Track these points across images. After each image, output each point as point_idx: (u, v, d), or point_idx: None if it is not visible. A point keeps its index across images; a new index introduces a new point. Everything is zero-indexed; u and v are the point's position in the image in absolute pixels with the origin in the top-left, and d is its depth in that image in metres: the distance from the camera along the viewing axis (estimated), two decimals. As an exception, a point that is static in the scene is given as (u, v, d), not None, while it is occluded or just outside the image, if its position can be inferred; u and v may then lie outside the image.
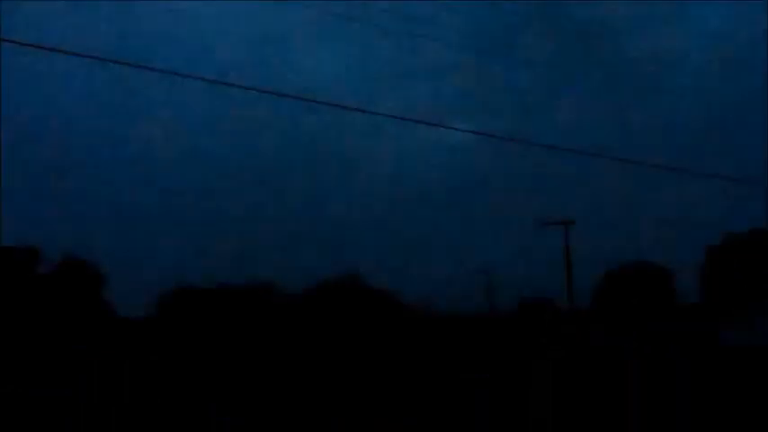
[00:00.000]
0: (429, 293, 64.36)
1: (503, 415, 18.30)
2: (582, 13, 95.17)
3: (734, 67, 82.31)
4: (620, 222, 78.24)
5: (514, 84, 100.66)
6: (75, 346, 42.09)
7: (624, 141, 77.03)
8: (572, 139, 71.50)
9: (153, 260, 63.89)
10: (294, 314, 54.18)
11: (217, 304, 53.95)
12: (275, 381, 30.05)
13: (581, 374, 30.18)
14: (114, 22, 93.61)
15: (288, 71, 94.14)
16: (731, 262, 55.50)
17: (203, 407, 21.36)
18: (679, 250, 60.33)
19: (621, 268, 60.86)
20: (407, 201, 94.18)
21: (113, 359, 39.21)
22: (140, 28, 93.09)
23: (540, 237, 57.02)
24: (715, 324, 47.72)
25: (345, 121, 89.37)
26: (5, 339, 39.97)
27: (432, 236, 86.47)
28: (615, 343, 42.40)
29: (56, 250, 51.37)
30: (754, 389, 21.53)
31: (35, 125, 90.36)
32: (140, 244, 71.13)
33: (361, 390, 25.57)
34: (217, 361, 39.78)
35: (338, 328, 51.20)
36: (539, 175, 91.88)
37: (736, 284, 52.68)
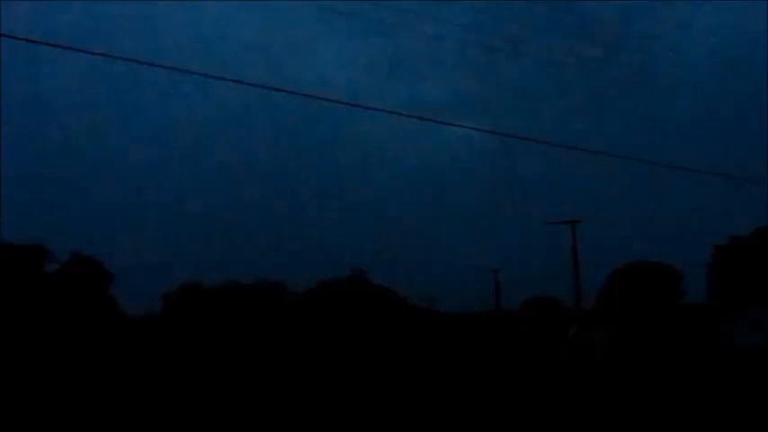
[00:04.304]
0: (436, 292, 64.54)
1: (503, 414, 18.37)
2: (583, 10, 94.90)
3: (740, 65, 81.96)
4: (627, 221, 78.07)
5: (518, 81, 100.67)
6: (80, 343, 42.34)
7: (630, 140, 76.90)
8: (579, 138, 71.40)
9: (159, 259, 64.14)
10: (301, 312, 54.31)
11: (224, 302, 54.16)
12: (279, 379, 30.17)
13: (583, 373, 30.21)
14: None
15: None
16: (739, 261, 55.23)
17: (204, 406, 21.50)
18: (688, 249, 60.15)
19: (627, 267, 60.69)
20: (415, 201, 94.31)
21: (119, 357, 39.43)
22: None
23: (547, 236, 57.08)
24: (723, 323, 47.55)
25: (354, 119, 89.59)
26: (12, 337, 40.21)
27: (438, 235, 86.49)
28: (619, 342, 42.34)
29: (65, 248, 51.75)
30: (761, 388, 21.50)
31: (40, 124, 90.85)
32: (148, 242, 71.43)
33: (364, 389, 25.67)
34: (221, 359, 39.95)
35: (344, 326, 51.30)
36: (546, 173, 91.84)
37: (743, 284, 52.41)
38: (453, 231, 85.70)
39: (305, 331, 49.38)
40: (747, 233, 56.76)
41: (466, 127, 75.09)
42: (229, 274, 57.11)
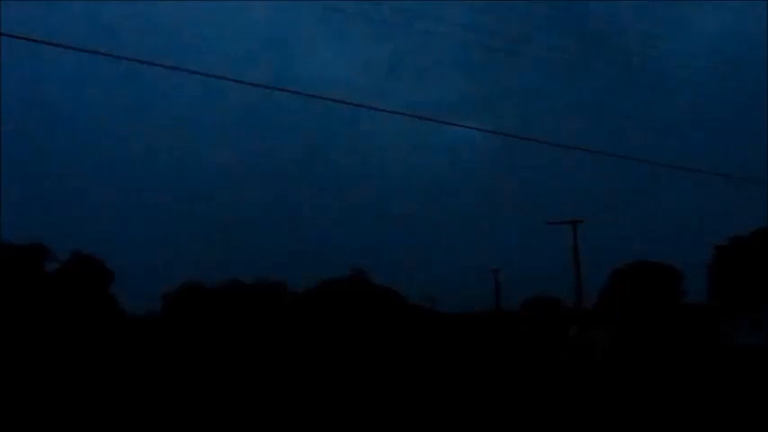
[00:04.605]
0: (436, 292, 64.58)
1: (503, 414, 18.38)
2: (584, 9, 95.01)
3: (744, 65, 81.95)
4: (628, 221, 78.09)
5: (519, 82, 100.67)
6: (80, 342, 42.34)
7: (630, 140, 76.90)
8: (579, 138, 71.33)
9: (159, 258, 64.10)
10: (301, 312, 54.30)
11: (224, 302, 54.15)
12: (279, 379, 30.17)
13: (583, 373, 30.21)
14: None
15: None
16: (739, 262, 55.19)
17: (205, 406, 21.50)
18: (688, 249, 60.12)
19: (628, 267, 60.67)
20: (415, 200, 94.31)
21: (119, 355, 39.44)
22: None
23: (548, 236, 57.09)
24: (723, 323, 47.53)
25: (355, 119, 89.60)
26: (12, 336, 40.20)
27: (438, 235, 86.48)
28: (619, 342, 42.35)
29: (65, 247, 51.76)
30: (761, 388, 21.49)
31: (42, 124, 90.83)
32: (148, 242, 71.43)
33: (364, 388, 25.68)
34: (221, 358, 39.95)
35: (344, 326, 51.28)
36: (546, 173, 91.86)
37: (745, 284, 52.37)
38: (453, 231, 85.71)
39: (305, 331, 49.37)
40: (748, 233, 56.71)
41: (466, 127, 74.88)
42: (230, 274, 57.18)
